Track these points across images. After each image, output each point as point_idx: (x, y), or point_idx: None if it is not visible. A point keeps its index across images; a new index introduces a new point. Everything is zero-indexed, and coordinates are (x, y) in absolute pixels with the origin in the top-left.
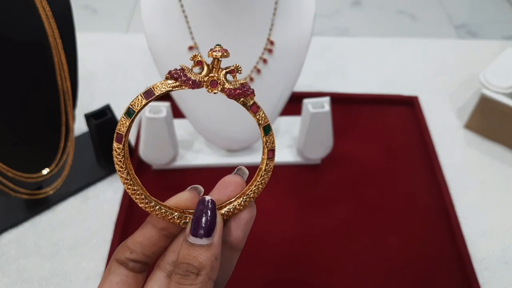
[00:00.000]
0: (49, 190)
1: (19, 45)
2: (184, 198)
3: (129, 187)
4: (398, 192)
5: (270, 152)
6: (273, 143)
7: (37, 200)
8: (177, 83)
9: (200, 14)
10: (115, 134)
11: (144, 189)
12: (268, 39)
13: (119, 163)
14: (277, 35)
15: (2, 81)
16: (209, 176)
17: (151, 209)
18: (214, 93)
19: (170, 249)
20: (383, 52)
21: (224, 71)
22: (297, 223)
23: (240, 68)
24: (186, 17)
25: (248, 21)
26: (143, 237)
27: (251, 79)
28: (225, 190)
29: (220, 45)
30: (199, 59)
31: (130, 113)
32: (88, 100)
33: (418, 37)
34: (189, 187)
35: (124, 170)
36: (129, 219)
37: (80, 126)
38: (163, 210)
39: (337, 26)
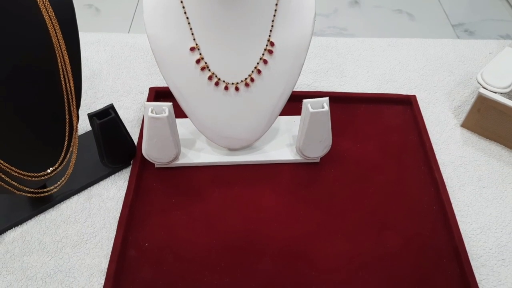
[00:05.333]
0: (53, 189)
1: (22, 47)
2: None
3: None
4: (395, 190)
5: None
6: None
7: (41, 198)
8: None
9: (201, 16)
10: None
11: None
12: (269, 40)
13: None
14: (277, 36)
15: (6, 83)
16: (210, 174)
17: None
18: None
19: None
20: (381, 51)
21: None
22: (296, 220)
23: None
24: (187, 18)
25: (248, 22)
26: None
27: (252, 80)
28: None
29: None
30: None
31: None
32: (91, 99)
33: (416, 36)
34: None
35: None
36: (132, 216)
37: (83, 125)
38: None
39: (336, 25)
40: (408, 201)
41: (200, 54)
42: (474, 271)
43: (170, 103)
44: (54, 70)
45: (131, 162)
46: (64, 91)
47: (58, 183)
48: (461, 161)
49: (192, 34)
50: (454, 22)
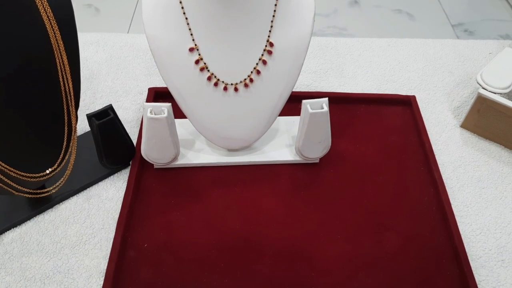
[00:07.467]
0: (52, 189)
1: (21, 47)
2: None
3: None
4: (395, 191)
5: None
6: None
7: (40, 199)
8: None
9: (200, 16)
10: None
11: None
12: (268, 41)
13: None
14: (277, 37)
15: (4, 83)
16: (210, 175)
17: None
18: None
19: None
20: (381, 51)
21: None
22: (295, 221)
23: None
24: (186, 18)
25: (247, 23)
26: None
27: (251, 80)
28: None
29: None
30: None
31: None
32: (90, 99)
33: (415, 36)
34: None
35: None
36: (131, 217)
37: (82, 125)
38: None
39: (336, 25)
40: (408, 201)
41: (199, 54)
42: (474, 272)
43: (169, 104)
44: (53, 71)
45: (130, 162)
46: (63, 91)
47: (57, 184)
48: (461, 162)
49: (191, 34)
50: (454, 22)
